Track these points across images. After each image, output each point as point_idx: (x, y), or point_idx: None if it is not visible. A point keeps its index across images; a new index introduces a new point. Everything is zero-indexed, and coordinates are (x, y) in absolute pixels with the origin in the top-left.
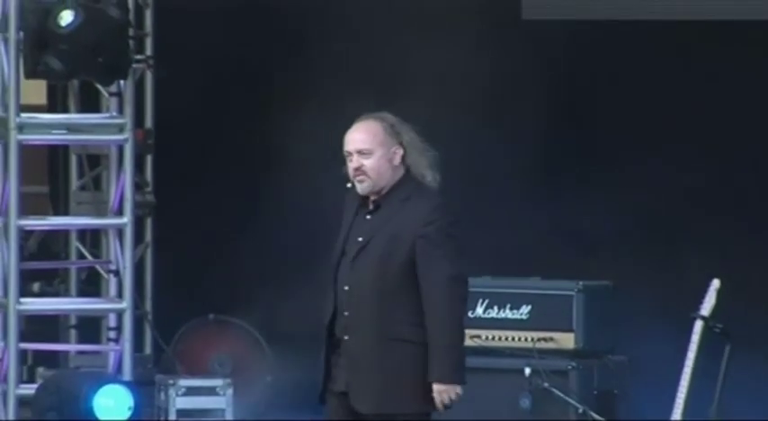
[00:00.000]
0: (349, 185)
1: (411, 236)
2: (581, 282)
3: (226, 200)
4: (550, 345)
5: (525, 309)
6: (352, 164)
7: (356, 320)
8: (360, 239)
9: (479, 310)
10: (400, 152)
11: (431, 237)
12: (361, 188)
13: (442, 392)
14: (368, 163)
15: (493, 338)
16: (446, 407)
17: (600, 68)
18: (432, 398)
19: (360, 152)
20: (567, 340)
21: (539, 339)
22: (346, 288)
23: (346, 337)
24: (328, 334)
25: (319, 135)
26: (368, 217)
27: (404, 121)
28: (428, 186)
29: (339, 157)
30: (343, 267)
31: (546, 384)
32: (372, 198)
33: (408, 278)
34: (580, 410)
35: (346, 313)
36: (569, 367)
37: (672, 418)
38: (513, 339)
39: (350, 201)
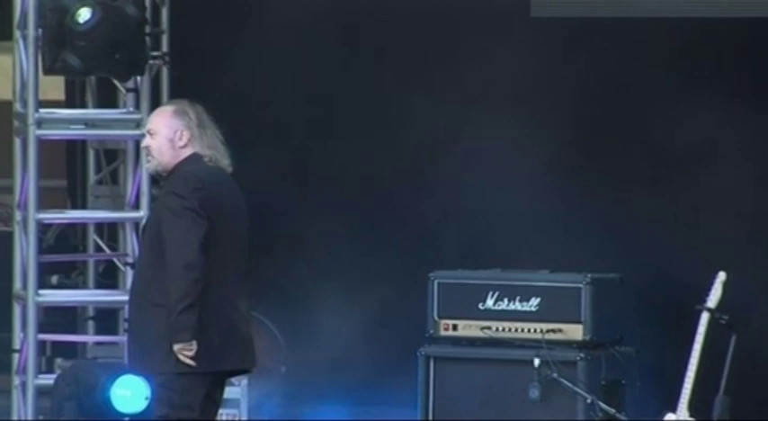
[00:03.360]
0: None
1: (159, 207)
2: (589, 275)
3: (248, 190)
4: (559, 337)
5: (534, 301)
6: (142, 143)
7: (132, 289)
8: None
9: (489, 302)
10: (187, 134)
11: (166, 206)
12: (147, 167)
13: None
14: (153, 142)
15: (503, 329)
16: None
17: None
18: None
19: (148, 132)
20: (575, 331)
21: (548, 330)
22: (132, 261)
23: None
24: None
25: (335, 127)
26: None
27: (195, 105)
28: (206, 161)
29: (357, 150)
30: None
31: (555, 375)
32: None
33: (162, 247)
34: (588, 400)
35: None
36: (578, 358)
37: (678, 408)
38: (523, 330)
39: None
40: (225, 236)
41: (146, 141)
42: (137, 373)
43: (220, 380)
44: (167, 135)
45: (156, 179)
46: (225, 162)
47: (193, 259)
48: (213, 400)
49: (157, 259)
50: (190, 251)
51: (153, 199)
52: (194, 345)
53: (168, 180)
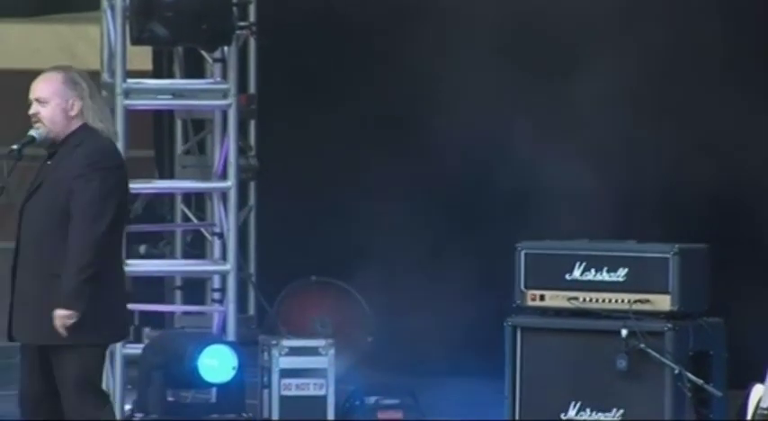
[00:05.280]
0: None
1: (70, 178)
2: (677, 245)
3: (328, 162)
4: (646, 307)
5: (622, 272)
6: (30, 110)
7: (24, 260)
8: (35, 185)
9: (576, 273)
10: (79, 104)
11: (84, 177)
12: (37, 134)
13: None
14: (44, 111)
15: (590, 300)
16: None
17: None
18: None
19: (37, 100)
20: (663, 302)
21: (635, 301)
22: (20, 234)
23: (14, 280)
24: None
25: (420, 96)
26: (48, 163)
27: (84, 75)
28: (101, 133)
29: (439, 122)
30: (24, 211)
31: (642, 345)
32: (50, 145)
33: (67, 218)
34: (676, 371)
35: (17, 258)
36: (665, 328)
37: (766, 379)
38: (610, 301)
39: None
40: (126, 213)
41: (34, 108)
42: None
43: None
44: (60, 104)
45: (243, 149)
46: (115, 134)
47: (106, 234)
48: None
49: (60, 228)
50: (104, 225)
51: (87, 166)
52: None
53: (71, 150)
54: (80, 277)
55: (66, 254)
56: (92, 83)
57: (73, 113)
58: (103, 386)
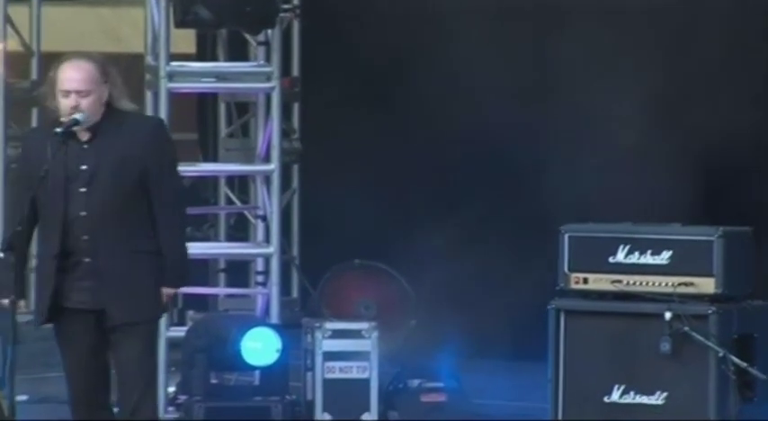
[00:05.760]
0: (58, 130)
1: (139, 154)
2: (721, 228)
3: (371, 146)
4: (690, 290)
5: (666, 255)
6: (69, 102)
7: (99, 241)
8: (84, 167)
9: (620, 256)
10: (107, 91)
11: (156, 152)
12: (81, 117)
13: (170, 295)
14: (84, 102)
15: (634, 283)
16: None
17: None
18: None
19: (77, 92)
20: (707, 285)
21: (679, 284)
22: (83, 213)
23: (87, 259)
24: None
25: (463, 82)
26: (85, 147)
27: (103, 58)
28: (132, 111)
29: (479, 107)
30: (72, 195)
31: (686, 328)
32: (83, 130)
33: (143, 194)
34: (720, 354)
35: (85, 237)
36: (709, 311)
37: None
38: (654, 284)
39: (39, 138)
40: None
41: (74, 101)
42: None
43: None
44: (97, 94)
45: (286, 132)
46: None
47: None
48: None
49: (138, 204)
50: (182, 198)
51: (162, 141)
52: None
53: (115, 129)
54: (186, 255)
55: (163, 230)
56: (111, 67)
57: (104, 100)
58: None
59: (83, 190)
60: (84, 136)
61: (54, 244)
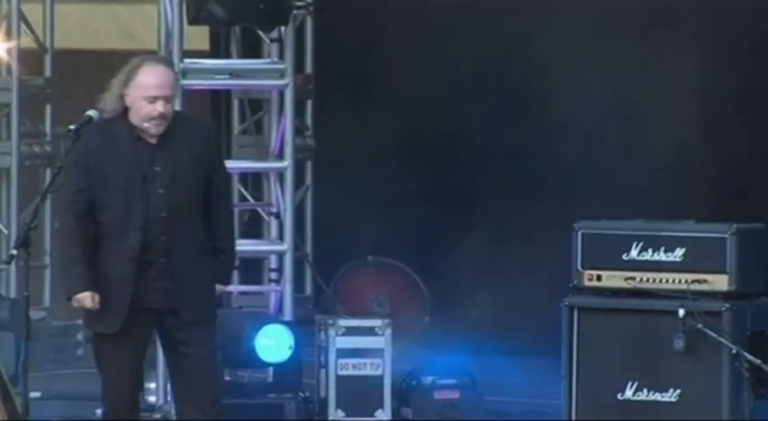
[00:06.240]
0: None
1: (207, 156)
2: (735, 225)
3: (384, 143)
4: (704, 287)
5: (679, 252)
6: (155, 107)
7: (174, 242)
8: (159, 169)
9: (634, 253)
10: None
11: (217, 152)
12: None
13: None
14: (167, 108)
15: (647, 280)
16: None
17: None
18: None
19: (166, 99)
20: (720, 282)
21: (692, 281)
22: (163, 215)
23: (162, 260)
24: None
25: (476, 80)
26: (156, 148)
27: None
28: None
29: (493, 103)
30: (151, 196)
31: (699, 325)
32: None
33: (202, 196)
34: (734, 351)
35: (163, 238)
36: (723, 308)
37: None
38: (667, 281)
39: (99, 137)
40: None
41: (161, 106)
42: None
43: None
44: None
45: (300, 129)
46: None
47: None
48: None
49: (202, 204)
50: None
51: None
52: None
53: (179, 131)
54: (236, 253)
55: (221, 228)
56: None
57: None
58: (159, 366)
59: (161, 191)
60: (153, 138)
61: (133, 244)
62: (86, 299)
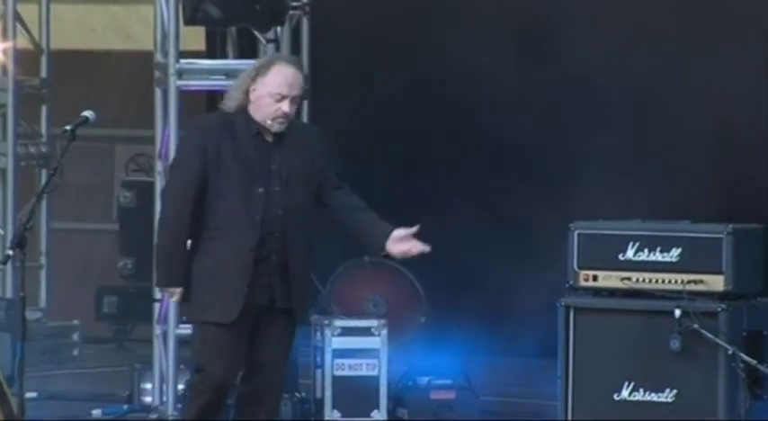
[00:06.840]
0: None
1: (317, 156)
2: (731, 225)
3: (383, 144)
4: (700, 288)
5: (675, 252)
6: (282, 106)
7: (287, 239)
8: (275, 167)
9: (630, 253)
10: None
11: (324, 161)
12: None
13: None
14: (292, 109)
15: (643, 280)
16: None
17: None
18: None
19: (292, 99)
20: (716, 282)
21: (688, 281)
22: (279, 212)
23: (274, 256)
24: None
25: (475, 78)
26: (273, 147)
27: None
28: None
29: (490, 101)
30: (270, 193)
31: (695, 326)
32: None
33: (312, 200)
34: (730, 351)
35: (277, 234)
36: (719, 309)
37: None
38: (663, 281)
39: (216, 132)
40: None
41: (289, 107)
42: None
43: None
44: None
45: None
46: None
47: None
48: None
49: (308, 208)
50: None
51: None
52: None
53: (289, 131)
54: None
55: (365, 212)
56: None
57: None
58: (156, 366)
59: (277, 189)
60: (270, 135)
61: (252, 235)
62: (177, 293)
